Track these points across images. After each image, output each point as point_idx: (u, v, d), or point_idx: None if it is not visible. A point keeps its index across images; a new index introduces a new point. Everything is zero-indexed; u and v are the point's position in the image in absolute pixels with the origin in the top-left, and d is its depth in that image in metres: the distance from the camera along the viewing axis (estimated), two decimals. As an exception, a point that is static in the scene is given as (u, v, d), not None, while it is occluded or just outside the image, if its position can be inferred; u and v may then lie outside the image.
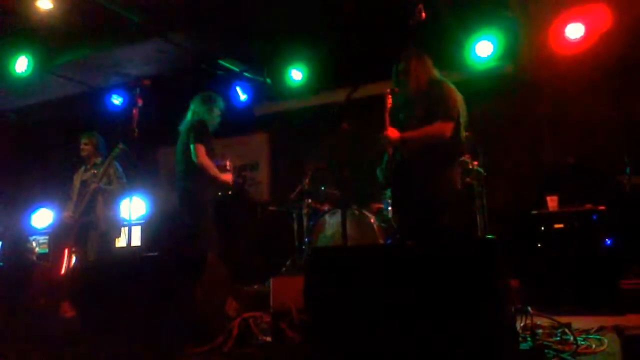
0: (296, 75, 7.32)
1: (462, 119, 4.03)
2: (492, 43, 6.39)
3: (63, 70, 7.49)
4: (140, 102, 5.17)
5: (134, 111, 5.21)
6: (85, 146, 6.02)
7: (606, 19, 5.79)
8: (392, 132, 4.04)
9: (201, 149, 5.24)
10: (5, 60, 7.05)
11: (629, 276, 5.13)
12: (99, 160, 5.96)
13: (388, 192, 6.12)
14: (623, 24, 5.84)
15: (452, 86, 4.09)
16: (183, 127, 5.50)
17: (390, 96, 4.13)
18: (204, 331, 3.49)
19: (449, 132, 3.92)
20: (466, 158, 5.30)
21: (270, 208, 7.16)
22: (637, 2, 5.73)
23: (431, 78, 4.14)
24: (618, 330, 2.86)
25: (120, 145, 5.59)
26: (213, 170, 5.30)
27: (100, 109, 7.86)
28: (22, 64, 7.03)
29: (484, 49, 6.44)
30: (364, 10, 6.18)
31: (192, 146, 5.25)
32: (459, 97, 4.04)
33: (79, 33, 6.77)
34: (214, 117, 5.56)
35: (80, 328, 3.76)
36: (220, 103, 5.66)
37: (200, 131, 5.33)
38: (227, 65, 7.61)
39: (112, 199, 5.84)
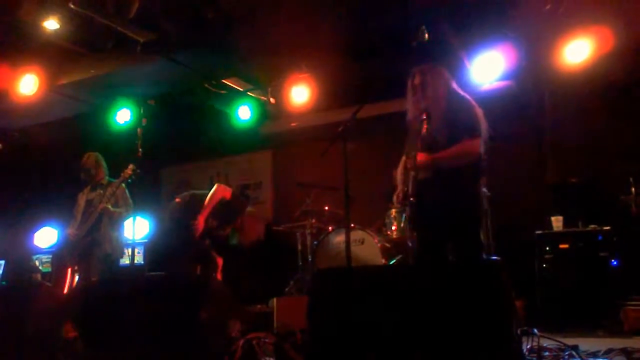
0: (300, 94, 7.34)
1: (484, 135, 3.79)
2: (494, 62, 6.40)
3: (68, 89, 7.52)
4: (144, 122, 5.18)
5: (138, 131, 5.22)
6: (87, 166, 6.00)
7: (609, 39, 5.81)
8: (423, 156, 3.75)
9: None
10: (13, 80, 7.08)
11: (635, 297, 5.09)
12: (105, 180, 5.96)
13: (390, 212, 6.13)
14: (626, 44, 5.86)
15: (473, 102, 3.86)
16: None
17: (425, 120, 3.79)
18: (207, 352, 3.46)
19: (479, 148, 3.69)
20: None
21: (274, 227, 7.14)
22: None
23: (450, 92, 3.90)
24: (627, 352, 2.83)
25: (132, 167, 5.58)
26: None
27: (104, 128, 7.87)
28: (28, 84, 7.06)
29: (485, 68, 6.45)
30: (368, 30, 6.21)
31: None
32: (480, 112, 3.82)
33: (84, 53, 6.82)
34: None
35: (82, 349, 3.73)
36: None
37: None
38: (231, 84, 7.63)
39: (118, 220, 5.83)
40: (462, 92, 3.94)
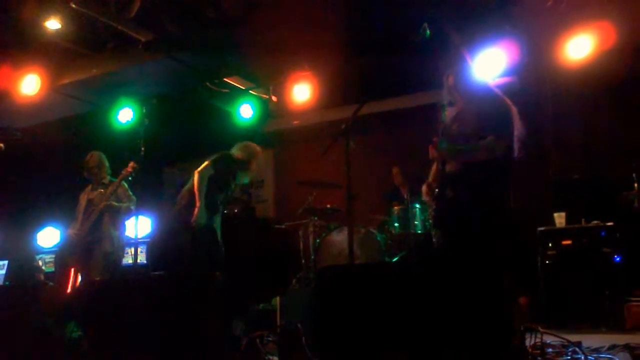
0: (302, 92, 7.33)
1: (517, 133, 3.81)
2: (496, 59, 6.38)
3: (70, 89, 7.53)
4: (146, 121, 5.18)
5: (141, 130, 5.22)
6: (90, 165, 6.01)
7: (611, 35, 5.79)
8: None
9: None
10: (15, 79, 7.09)
11: (639, 293, 5.08)
12: (106, 179, 5.96)
13: (394, 210, 6.13)
14: (628, 39, 5.85)
15: (506, 99, 3.87)
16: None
17: (448, 109, 3.90)
18: (211, 351, 3.46)
19: (501, 148, 3.69)
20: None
21: (276, 226, 7.14)
22: (641, 19, 5.74)
23: (480, 88, 3.95)
24: (630, 349, 2.82)
25: (132, 164, 5.58)
26: None
27: (106, 128, 7.88)
28: (30, 83, 7.07)
29: (487, 65, 6.43)
30: (369, 27, 6.21)
31: None
32: (513, 112, 3.82)
33: (86, 53, 6.82)
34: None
35: (86, 348, 3.74)
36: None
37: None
38: (233, 83, 7.64)
39: (119, 218, 5.84)
40: (495, 90, 3.97)
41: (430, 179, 4.01)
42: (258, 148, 5.82)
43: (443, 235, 3.86)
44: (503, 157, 3.71)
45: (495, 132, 3.69)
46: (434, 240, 4.37)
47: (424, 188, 3.99)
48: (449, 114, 3.91)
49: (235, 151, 5.69)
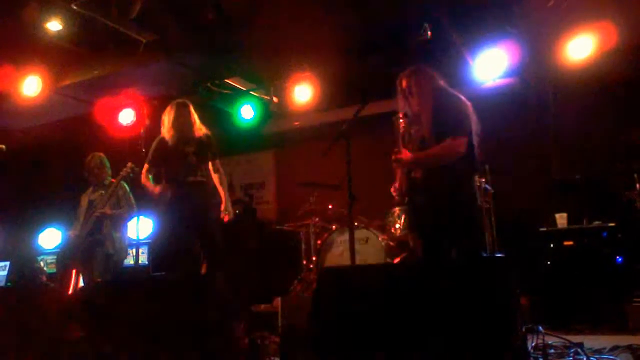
0: (303, 93, 7.33)
1: (474, 130, 3.81)
2: (497, 60, 6.38)
3: (71, 90, 7.53)
4: (147, 122, 5.18)
5: (142, 131, 5.22)
6: (91, 166, 6.01)
7: (612, 35, 5.79)
8: (405, 154, 3.84)
9: None
10: (16, 81, 7.10)
11: (640, 294, 5.07)
12: (107, 180, 5.96)
13: (393, 210, 6.13)
14: (630, 40, 5.85)
15: (461, 97, 3.88)
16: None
17: (402, 120, 3.93)
18: (212, 352, 3.46)
19: (463, 148, 3.70)
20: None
21: (278, 227, 7.14)
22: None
23: (436, 91, 3.92)
24: (632, 350, 2.82)
25: (130, 165, 5.59)
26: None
27: (107, 129, 7.88)
28: (31, 85, 7.07)
29: (488, 65, 6.43)
30: (370, 28, 6.21)
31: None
32: (469, 109, 3.83)
33: (87, 54, 6.83)
34: None
35: (87, 349, 3.74)
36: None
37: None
38: (234, 84, 7.64)
39: (120, 220, 5.83)
40: (450, 90, 3.96)
41: (396, 183, 4.07)
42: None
43: (419, 238, 3.94)
44: (465, 155, 3.72)
45: (452, 133, 3.70)
46: (410, 243, 4.44)
47: (393, 192, 4.06)
48: (403, 123, 3.94)
49: None
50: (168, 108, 5.18)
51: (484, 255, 3.82)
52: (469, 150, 3.75)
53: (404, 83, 3.97)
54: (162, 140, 5.13)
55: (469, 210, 3.78)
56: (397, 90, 4.04)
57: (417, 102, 3.90)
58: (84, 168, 6.03)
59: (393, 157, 3.88)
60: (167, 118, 5.13)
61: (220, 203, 5.14)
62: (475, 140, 3.81)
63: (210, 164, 5.22)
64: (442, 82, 3.99)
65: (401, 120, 3.93)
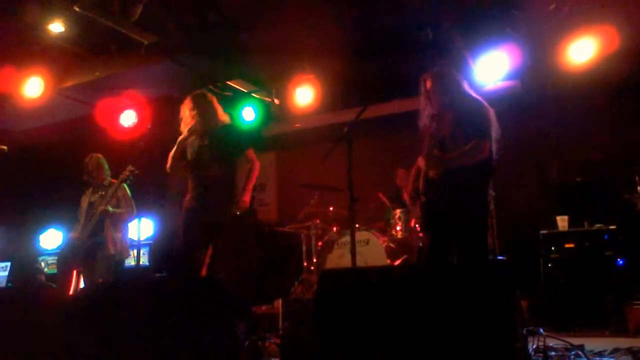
0: (304, 95, 7.34)
1: (494, 135, 3.85)
2: (498, 62, 6.39)
3: (73, 92, 7.55)
4: (149, 124, 5.18)
5: (143, 132, 5.23)
6: (89, 168, 6.01)
7: (614, 39, 5.80)
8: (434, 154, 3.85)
9: None
10: (18, 82, 7.11)
11: (641, 296, 5.07)
12: (106, 181, 5.96)
13: (394, 212, 6.14)
14: (631, 43, 5.85)
15: (484, 102, 3.91)
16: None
17: (430, 120, 3.95)
18: (213, 353, 3.46)
19: (487, 149, 3.75)
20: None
21: (279, 229, 7.15)
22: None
23: (460, 94, 3.96)
24: (633, 352, 2.82)
25: (130, 167, 5.60)
26: None
27: (109, 130, 7.89)
28: (32, 86, 7.09)
29: (489, 68, 6.43)
30: (372, 31, 6.22)
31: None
32: (491, 114, 3.86)
33: (88, 55, 6.84)
34: None
35: (88, 350, 3.74)
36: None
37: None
38: (236, 86, 7.65)
39: (120, 221, 5.83)
40: (473, 94, 4.00)
41: (410, 185, 4.08)
42: None
43: (431, 238, 3.94)
44: (484, 159, 3.76)
45: (478, 136, 3.73)
46: (419, 244, 4.46)
47: (405, 194, 4.07)
48: (427, 121, 3.97)
49: None
50: (185, 101, 5.03)
51: (491, 259, 3.81)
52: (489, 155, 3.79)
53: (428, 83, 3.99)
54: (183, 135, 4.96)
55: (482, 214, 3.81)
56: (420, 90, 4.06)
57: (440, 102, 3.93)
58: (83, 170, 6.04)
59: (422, 157, 3.90)
60: (184, 112, 5.01)
61: (238, 200, 4.87)
62: (494, 146, 3.84)
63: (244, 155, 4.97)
64: (466, 85, 4.03)
65: (433, 121, 3.94)
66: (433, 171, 3.82)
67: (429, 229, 4.04)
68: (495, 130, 3.84)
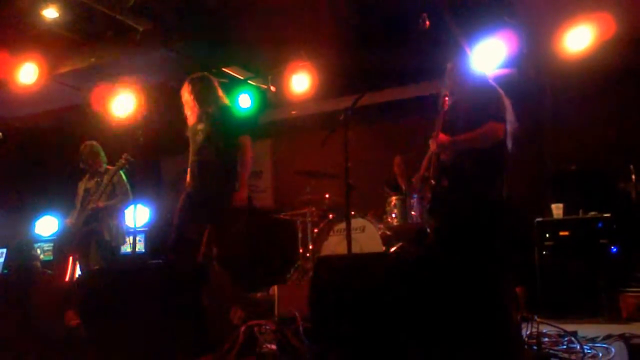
0: (300, 83, 7.32)
1: (510, 127, 3.83)
2: (495, 50, 6.37)
3: (68, 78, 7.51)
4: (145, 110, 5.17)
5: (139, 119, 5.21)
6: (85, 156, 6.00)
7: (610, 26, 5.79)
8: (443, 136, 3.83)
9: None
10: (12, 68, 7.07)
11: (635, 284, 5.11)
12: (102, 168, 5.96)
13: (390, 199, 6.14)
14: (627, 31, 5.85)
15: (500, 90, 3.92)
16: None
17: (448, 98, 3.95)
18: (208, 339, 3.48)
19: (502, 133, 3.73)
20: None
21: (274, 216, 7.16)
22: (641, 10, 5.74)
23: (476, 77, 4.02)
24: (625, 338, 2.84)
25: (125, 155, 5.59)
26: None
27: (105, 117, 7.87)
28: (27, 72, 7.05)
29: (486, 56, 6.42)
30: (368, 18, 6.20)
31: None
32: (507, 102, 3.86)
33: (84, 42, 6.80)
34: None
35: (84, 336, 3.76)
36: None
37: None
38: (232, 73, 7.62)
39: (115, 209, 5.83)
40: (489, 79, 4.05)
41: (422, 170, 4.03)
42: None
43: (438, 223, 3.90)
44: (498, 147, 3.73)
45: (493, 118, 3.71)
46: (427, 230, 4.41)
47: (414, 179, 4.05)
48: (447, 102, 3.95)
49: None
50: (185, 84, 4.97)
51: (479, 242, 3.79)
52: (503, 142, 3.77)
53: (449, 66, 4.06)
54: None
55: (495, 199, 3.75)
56: (444, 74, 4.09)
57: (457, 84, 3.98)
58: (79, 157, 6.03)
59: (433, 138, 3.88)
60: (184, 96, 4.97)
61: (235, 187, 4.74)
62: (509, 140, 3.83)
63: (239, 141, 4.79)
64: (482, 72, 4.10)
65: (446, 98, 3.95)
66: (444, 154, 3.83)
67: (436, 214, 3.97)
68: (511, 124, 3.82)
